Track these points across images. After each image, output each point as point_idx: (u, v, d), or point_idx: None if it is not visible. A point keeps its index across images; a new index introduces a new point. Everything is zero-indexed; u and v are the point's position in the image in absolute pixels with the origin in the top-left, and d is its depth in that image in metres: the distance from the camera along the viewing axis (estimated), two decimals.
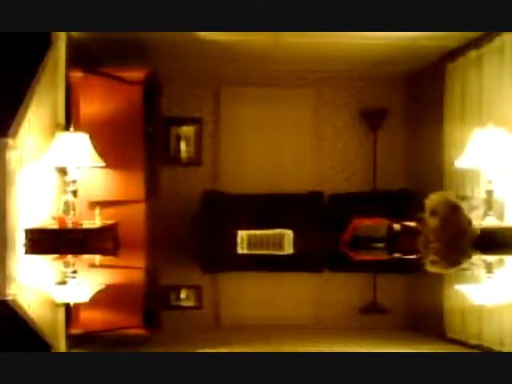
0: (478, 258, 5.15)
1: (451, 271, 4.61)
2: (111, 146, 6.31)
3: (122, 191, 6.49)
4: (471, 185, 6.75)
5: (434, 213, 5.27)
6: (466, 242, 5.18)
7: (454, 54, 7.35)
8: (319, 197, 8.63)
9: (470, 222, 5.21)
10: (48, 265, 5.11)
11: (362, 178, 9.01)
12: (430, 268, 4.63)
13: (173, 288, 3.95)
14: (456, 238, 5.16)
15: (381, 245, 5.86)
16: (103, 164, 6.07)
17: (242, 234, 6.17)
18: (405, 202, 7.74)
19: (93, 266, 5.09)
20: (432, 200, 5.39)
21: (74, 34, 6.59)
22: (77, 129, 6.08)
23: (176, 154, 8.87)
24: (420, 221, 5.39)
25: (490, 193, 5.78)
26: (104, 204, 6.20)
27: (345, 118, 9.08)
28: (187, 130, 8.89)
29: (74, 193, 5.88)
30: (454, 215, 5.21)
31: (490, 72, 6.45)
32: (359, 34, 6.55)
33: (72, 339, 2.41)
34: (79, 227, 5.67)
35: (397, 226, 5.82)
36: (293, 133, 8.92)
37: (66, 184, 5.92)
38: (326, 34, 6.55)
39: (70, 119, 6.35)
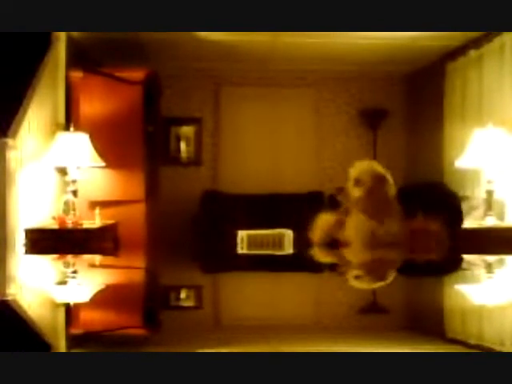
0: (477, 258, 5.15)
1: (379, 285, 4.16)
2: (111, 145, 6.31)
3: (122, 191, 6.49)
4: (471, 185, 6.75)
5: (358, 182, 4.90)
6: (392, 215, 4.77)
7: (454, 53, 7.35)
8: (319, 197, 8.62)
9: (395, 195, 4.84)
10: (48, 265, 5.11)
11: None
12: (356, 283, 4.20)
13: (173, 288, 3.94)
14: (381, 210, 4.79)
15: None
16: (103, 164, 6.07)
17: (242, 234, 6.17)
18: (405, 201, 7.73)
19: (93, 265, 5.10)
20: (357, 168, 5.00)
21: (74, 33, 6.60)
22: (77, 129, 6.08)
23: (176, 153, 8.87)
24: (340, 191, 4.99)
25: (490, 193, 5.78)
26: (104, 204, 6.20)
27: (345, 118, 9.08)
28: (187, 130, 8.88)
29: (74, 193, 5.88)
30: (380, 186, 4.84)
31: (489, 72, 6.45)
32: (359, 34, 6.55)
33: (72, 339, 2.41)
34: (79, 227, 5.67)
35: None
36: (293, 133, 8.92)
37: (66, 184, 5.92)
38: (326, 33, 6.55)
39: (70, 119, 6.35)
